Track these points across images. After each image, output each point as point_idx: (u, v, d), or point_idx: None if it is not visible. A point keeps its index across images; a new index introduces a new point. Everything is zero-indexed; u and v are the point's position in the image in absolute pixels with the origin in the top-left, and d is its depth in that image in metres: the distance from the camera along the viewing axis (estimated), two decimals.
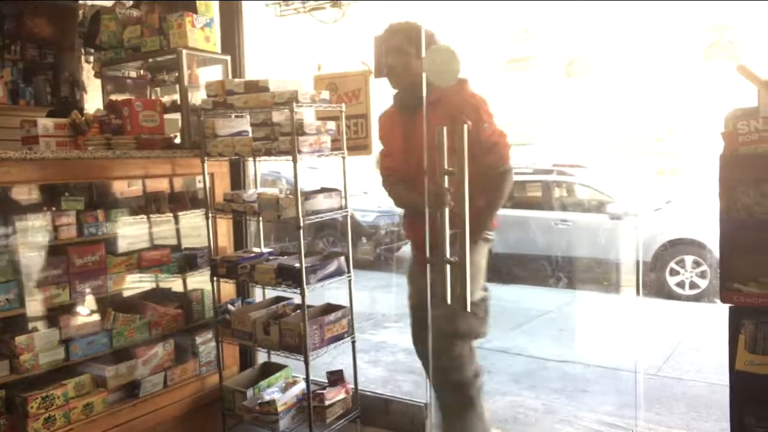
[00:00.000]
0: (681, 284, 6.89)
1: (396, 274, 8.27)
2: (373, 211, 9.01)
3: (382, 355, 5.02)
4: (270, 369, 3.46)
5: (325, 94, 2.97)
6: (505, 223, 8.26)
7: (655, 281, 6.86)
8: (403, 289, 3.11)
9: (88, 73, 4.37)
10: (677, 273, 6.91)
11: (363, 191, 9.98)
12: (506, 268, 7.89)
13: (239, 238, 3.58)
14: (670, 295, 6.80)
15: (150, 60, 3.47)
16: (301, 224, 2.85)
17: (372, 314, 6.40)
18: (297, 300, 3.16)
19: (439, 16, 3.17)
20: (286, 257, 3.22)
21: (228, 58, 3.41)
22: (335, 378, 3.25)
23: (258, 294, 3.56)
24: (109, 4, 3.73)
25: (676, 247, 6.95)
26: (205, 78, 3.41)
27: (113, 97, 3.42)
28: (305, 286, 2.89)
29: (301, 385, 3.19)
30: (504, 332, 5.66)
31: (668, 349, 5.00)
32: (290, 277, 2.93)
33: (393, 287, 7.53)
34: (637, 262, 6.89)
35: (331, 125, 2.99)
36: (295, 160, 2.81)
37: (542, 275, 7.54)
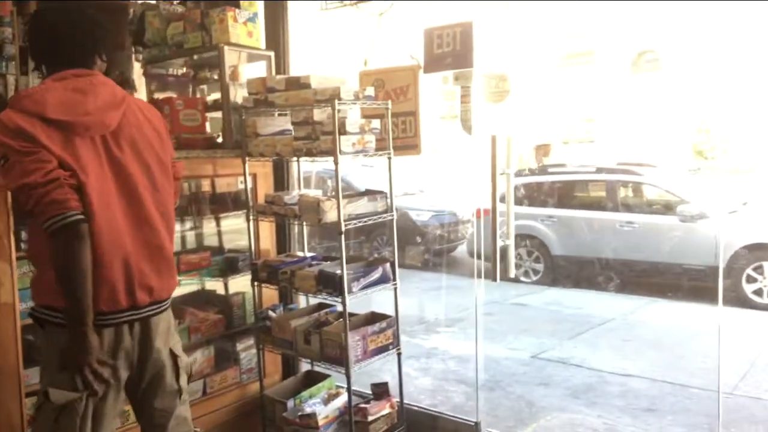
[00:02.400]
0: (758, 292, 6.41)
1: (450, 275, 8.05)
2: (428, 210, 8.80)
3: (433, 362, 4.82)
4: (313, 378, 3.31)
5: (370, 91, 2.79)
6: (566, 224, 7.98)
7: (729, 288, 6.39)
8: (457, 290, 2.90)
9: (138, 71, 4.35)
10: (754, 280, 6.43)
11: (419, 189, 9.80)
12: (566, 272, 7.56)
13: (282, 240, 3.45)
14: (746, 304, 6.33)
15: (195, 57, 3.37)
16: (342, 229, 2.69)
17: (424, 318, 6.21)
18: (340, 307, 3.00)
19: (492, 7, 2.95)
20: (329, 263, 3.06)
21: (272, 54, 3.27)
22: (380, 391, 3.08)
23: (302, 299, 3.42)
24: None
25: (753, 253, 6.47)
26: (249, 75, 3.29)
27: (157, 96, 3.35)
28: (347, 295, 2.72)
29: (344, 398, 3.03)
30: (562, 341, 5.37)
31: (745, 365, 4.60)
32: (331, 284, 2.77)
33: (446, 289, 7.31)
34: (718, 268, 6.45)
35: (376, 123, 2.81)
36: (336, 161, 2.65)
37: (605, 280, 7.17)
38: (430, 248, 8.63)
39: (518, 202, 8.00)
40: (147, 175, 1.88)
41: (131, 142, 1.84)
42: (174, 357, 2.02)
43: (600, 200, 7.71)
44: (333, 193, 2.83)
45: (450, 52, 2.93)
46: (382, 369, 3.53)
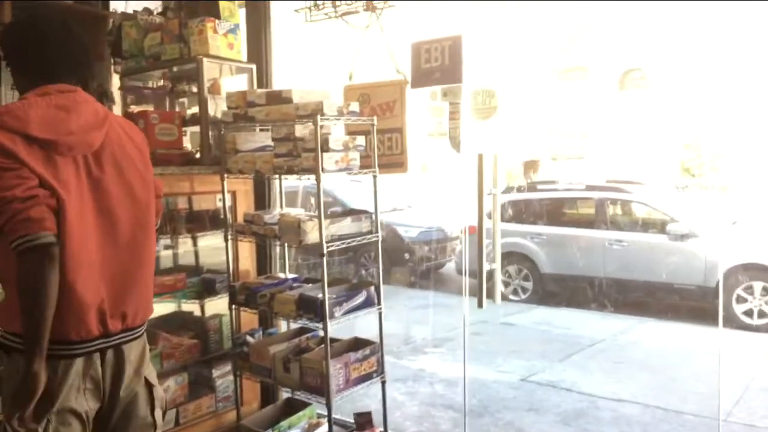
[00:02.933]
0: (749, 313, 6.33)
1: (439, 292, 7.92)
2: (417, 227, 8.67)
3: (420, 386, 4.66)
4: (294, 406, 3.15)
5: (355, 106, 2.67)
6: (555, 242, 7.89)
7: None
8: (445, 309, 2.78)
9: (117, 83, 4.21)
10: (745, 300, 6.34)
11: (407, 205, 9.68)
12: (555, 291, 7.46)
13: (263, 261, 3.30)
14: (737, 325, 6.25)
15: (174, 69, 3.24)
16: (324, 251, 2.55)
17: (411, 338, 6.05)
18: (323, 332, 2.86)
19: (481, 21, 2.85)
20: (310, 286, 2.92)
21: (253, 66, 3.15)
22: (363, 421, 2.94)
23: (284, 323, 3.27)
24: (140, 9, 3.54)
25: (744, 273, 6.38)
26: (231, 88, 3.16)
27: (132, 109, 3.21)
28: (328, 321, 2.58)
29: (325, 428, 2.88)
30: (552, 363, 5.24)
31: (739, 389, 4.49)
32: (312, 309, 2.63)
33: (434, 307, 7.17)
34: (709, 288, 6.37)
35: (361, 140, 2.68)
36: (318, 180, 2.52)
37: (594, 299, 7.07)
38: (418, 265, 8.50)
39: (507, 219, 7.91)
40: (129, 196, 1.78)
41: (113, 162, 1.75)
42: (149, 386, 1.88)
43: (589, 218, 7.62)
44: (312, 214, 2.70)
45: (438, 66, 2.83)
46: (367, 394, 3.38)
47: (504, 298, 7.60)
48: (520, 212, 8.01)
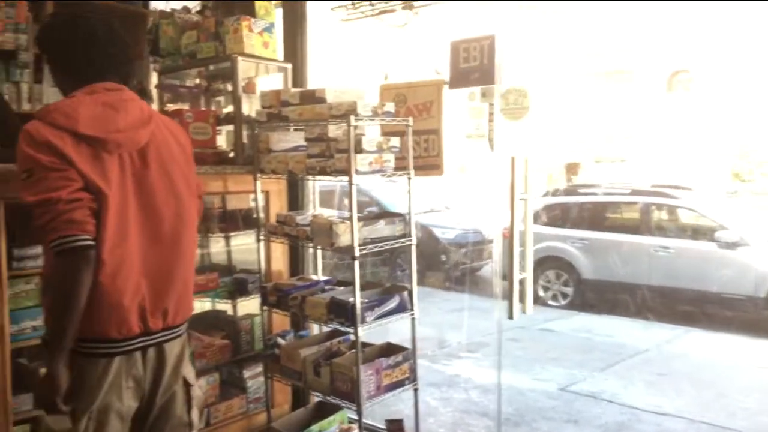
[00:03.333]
0: None
1: (475, 296, 7.79)
2: (454, 228, 8.55)
3: (454, 392, 4.57)
4: (325, 410, 3.10)
5: (390, 107, 2.61)
6: (597, 247, 7.68)
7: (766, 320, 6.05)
8: (481, 312, 2.68)
9: (156, 81, 4.24)
10: None
11: (445, 206, 9.56)
12: (597, 297, 7.25)
13: (296, 262, 3.27)
14: None
15: (211, 67, 3.23)
16: (356, 254, 2.49)
17: (446, 342, 5.96)
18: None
19: (516, 18, 2.75)
20: (342, 289, 2.87)
21: (289, 65, 3.11)
22: (394, 428, 2.87)
23: (316, 325, 3.23)
24: (179, 7, 3.56)
25: None
26: (267, 87, 3.13)
27: (170, 107, 3.21)
28: (360, 326, 2.52)
29: None
30: (593, 372, 5.08)
31: None
32: (343, 313, 2.57)
33: (470, 311, 7.05)
34: (760, 299, 6.10)
35: (395, 142, 2.61)
36: (351, 181, 2.46)
37: (638, 307, 6.84)
38: (454, 267, 8.38)
39: (547, 222, 7.74)
40: (172, 193, 1.79)
41: (158, 159, 1.76)
42: (187, 385, 1.87)
43: (633, 223, 7.40)
44: (346, 216, 2.64)
45: (477, 66, 2.74)
46: (400, 398, 3.30)
47: (543, 303, 7.42)
48: (561, 216, 7.83)
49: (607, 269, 7.24)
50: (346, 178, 2.48)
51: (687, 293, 6.64)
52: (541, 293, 7.54)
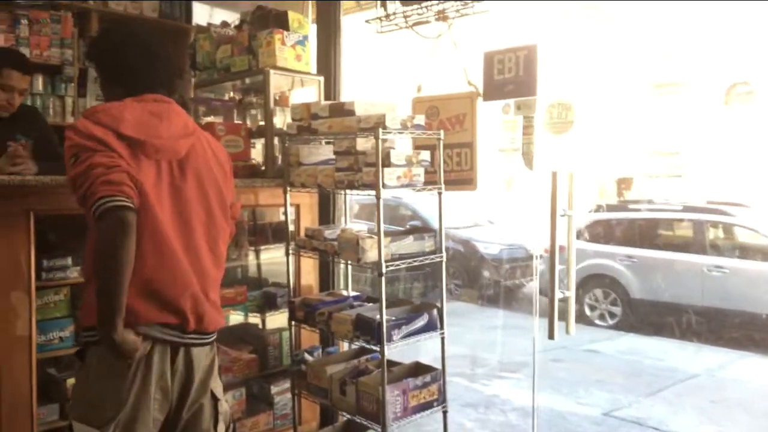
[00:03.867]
0: None
1: (518, 313, 7.60)
2: (498, 244, 8.39)
3: (492, 414, 4.42)
4: (353, 429, 3.03)
5: (420, 119, 2.54)
6: (647, 266, 7.39)
7: None
8: (524, 331, 2.57)
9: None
10: None
11: (488, 221, 9.40)
12: (646, 318, 6.96)
13: (327, 276, 3.22)
14: None
15: (247, 81, 3.25)
16: (383, 270, 2.43)
17: (485, 360, 5.80)
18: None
19: (557, 29, 2.65)
20: (371, 305, 2.80)
21: (321, 78, 3.09)
22: None
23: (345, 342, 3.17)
24: (217, 23, 3.59)
25: None
26: (300, 101, 3.12)
27: (204, 120, 3.23)
28: (385, 344, 2.45)
29: None
30: (639, 397, 4.85)
31: None
32: (369, 331, 2.50)
33: (513, 329, 6.87)
34: None
35: (425, 155, 2.54)
36: (378, 196, 2.40)
37: (689, 329, 6.53)
38: (496, 283, 8.21)
39: (594, 239, 7.50)
40: (204, 208, 1.81)
41: (195, 174, 1.79)
42: (215, 399, 1.86)
43: (686, 241, 7.09)
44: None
45: (512, 78, 2.65)
46: (435, 418, 3.21)
47: (590, 323, 7.18)
48: (609, 232, 7.57)
49: (658, 289, 6.96)
50: (374, 192, 2.42)
51: (742, 316, 6.31)
52: (587, 312, 7.30)
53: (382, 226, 2.43)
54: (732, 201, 7.17)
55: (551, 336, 2.53)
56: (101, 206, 1.52)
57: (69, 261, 2.39)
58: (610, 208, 7.82)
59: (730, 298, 6.37)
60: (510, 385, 5.13)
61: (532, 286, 8.24)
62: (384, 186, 2.41)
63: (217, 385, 1.89)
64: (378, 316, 2.49)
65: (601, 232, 7.57)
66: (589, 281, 7.30)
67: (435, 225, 2.75)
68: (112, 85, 1.83)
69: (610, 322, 7.20)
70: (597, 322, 7.22)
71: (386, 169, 2.42)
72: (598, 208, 7.83)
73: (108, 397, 1.65)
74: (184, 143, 1.75)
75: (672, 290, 6.81)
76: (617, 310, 7.21)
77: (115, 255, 1.53)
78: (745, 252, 6.71)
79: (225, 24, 3.53)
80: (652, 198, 7.86)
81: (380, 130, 2.37)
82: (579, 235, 6.88)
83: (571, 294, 2.52)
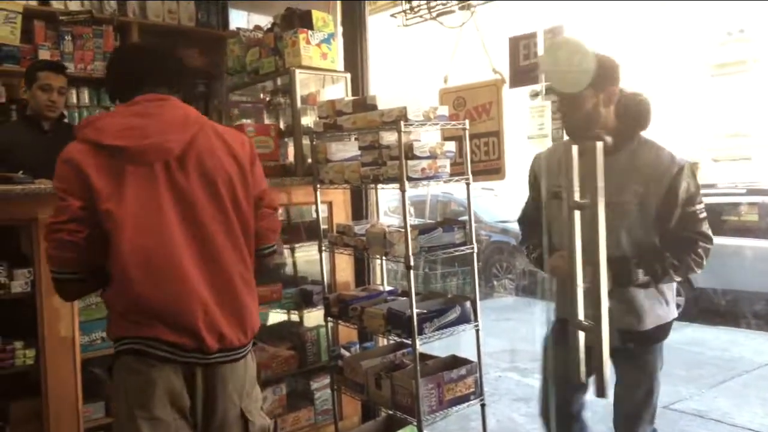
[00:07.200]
0: None
1: None
2: None
3: None
4: (394, 424, 3.02)
5: (443, 110, 2.51)
6: (711, 252, 7.00)
7: None
8: None
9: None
10: None
11: None
12: (711, 307, 6.65)
13: (362, 272, 3.23)
14: None
15: (278, 81, 3.29)
16: (411, 263, 2.41)
17: (537, 353, 5.68)
18: (422, 348, 2.70)
19: (585, 11, 2.56)
20: (404, 299, 2.79)
21: (348, 75, 3.10)
22: None
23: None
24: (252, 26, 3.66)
25: None
26: (330, 98, 3.14)
27: (236, 123, 3.30)
28: (417, 337, 2.43)
29: None
30: (701, 389, 4.64)
31: None
32: (400, 325, 2.49)
33: None
34: None
35: (450, 146, 2.51)
36: (403, 189, 2.39)
37: (757, 318, 6.20)
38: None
39: None
40: (216, 204, 1.69)
41: (200, 170, 1.68)
42: (245, 421, 1.72)
43: (753, 226, 6.74)
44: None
45: (538, 63, 2.58)
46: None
47: None
48: None
49: (723, 276, 6.63)
50: (399, 185, 2.41)
51: None
52: None
53: (408, 220, 2.41)
54: None
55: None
56: (51, 273, 1.67)
57: None
58: None
59: None
60: None
61: None
62: (408, 179, 2.39)
63: (249, 402, 1.75)
64: (408, 311, 2.48)
65: None
66: None
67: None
68: (113, 102, 1.85)
69: None
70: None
71: (410, 162, 2.40)
72: None
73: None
74: (176, 138, 1.66)
75: (737, 278, 6.49)
76: (680, 300, 6.91)
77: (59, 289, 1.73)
78: None
79: (257, 28, 3.59)
80: (716, 182, 7.52)
81: (402, 123, 2.36)
82: None
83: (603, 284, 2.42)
